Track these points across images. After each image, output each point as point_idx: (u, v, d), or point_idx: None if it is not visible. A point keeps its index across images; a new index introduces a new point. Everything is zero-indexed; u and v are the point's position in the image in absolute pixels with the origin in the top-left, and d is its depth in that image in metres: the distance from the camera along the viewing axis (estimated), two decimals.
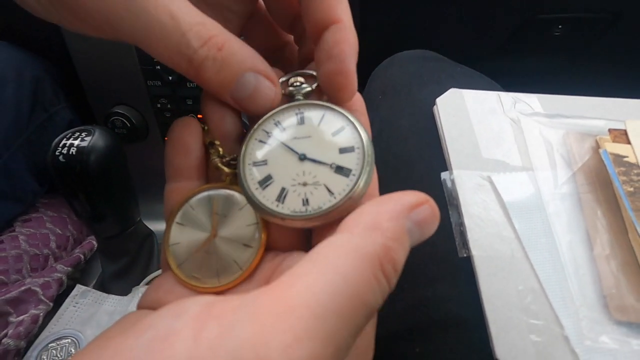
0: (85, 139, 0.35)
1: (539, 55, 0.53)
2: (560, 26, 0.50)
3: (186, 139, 0.17)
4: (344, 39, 0.15)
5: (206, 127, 0.18)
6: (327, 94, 0.17)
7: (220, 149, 0.18)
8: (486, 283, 0.20)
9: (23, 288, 0.36)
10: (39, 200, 0.47)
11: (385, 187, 0.28)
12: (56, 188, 0.49)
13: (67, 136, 0.35)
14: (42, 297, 0.36)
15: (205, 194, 0.17)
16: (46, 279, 0.38)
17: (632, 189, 0.22)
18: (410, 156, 0.29)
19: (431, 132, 0.29)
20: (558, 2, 0.47)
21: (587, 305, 0.19)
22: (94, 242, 0.47)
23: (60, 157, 0.34)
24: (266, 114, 0.17)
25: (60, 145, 0.34)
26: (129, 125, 0.47)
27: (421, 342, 0.20)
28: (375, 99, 0.36)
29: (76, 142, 0.34)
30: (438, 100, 0.30)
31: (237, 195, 0.17)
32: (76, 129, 0.35)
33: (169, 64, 0.15)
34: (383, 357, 0.22)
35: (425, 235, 0.13)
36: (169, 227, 0.17)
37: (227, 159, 0.18)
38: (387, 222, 0.12)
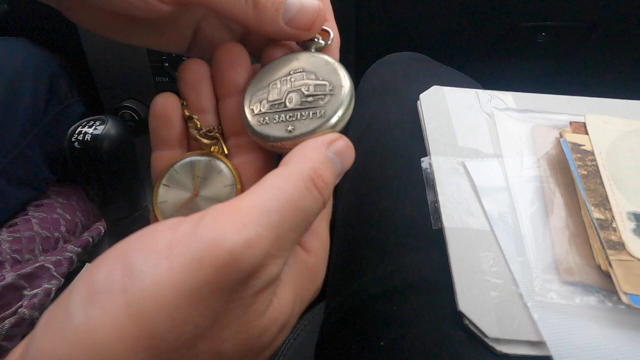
0: (99, 127, 0.38)
1: (522, 61, 0.56)
2: (543, 34, 0.54)
3: (168, 112, 0.20)
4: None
5: (184, 102, 0.21)
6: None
7: (198, 122, 0.21)
8: (454, 249, 0.23)
9: (37, 264, 0.39)
10: (50, 188, 0.50)
11: (375, 173, 0.31)
12: (67, 177, 0.52)
13: (83, 124, 0.38)
14: (55, 273, 0.39)
15: (187, 159, 0.20)
16: (58, 257, 0.41)
17: (585, 172, 0.25)
18: (396, 145, 0.32)
19: (415, 125, 0.32)
20: (540, 11, 0.51)
21: (540, 268, 0.22)
22: (102, 228, 0.49)
23: (76, 144, 0.37)
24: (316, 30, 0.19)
25: (76, 132, 0.37)
26: (137, 118, 0.50)
27: (398, 302, 0.23)
28: (366, 96, 0.39)
29: (90, 130, 0.37)
30: (421, 95, 0.33)
31: (216, 161, 0.20)
32: (90, 118, 0.39)
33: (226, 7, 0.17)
34: (364, 316, 0.24)
35: (346, 163, 0.17)
36: (157, 188, 0.20)
37: (204, 130, 0.21)
38: (311, 152, 0.16)
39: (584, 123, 0.28)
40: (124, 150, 0.39)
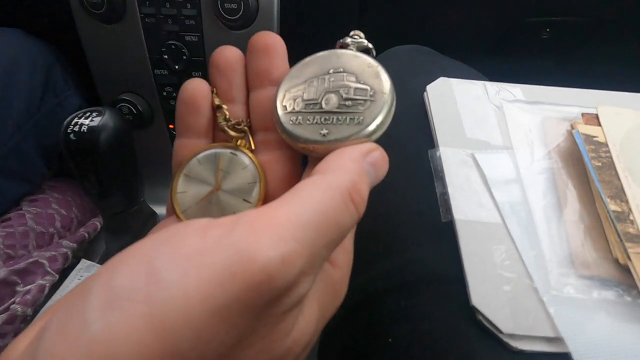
0: (96, 119, 0.37)
1: (527, 57, 0.56)
2: (548, 29, 0.53)
3: (197, 99, 0.19)
4: None
5: (215, 90, 0.20)
6: None
7: (227, 113, 0.20)
8: (466, 242, 0.22)
9: (30, 260, 0.38)
10: (45, 183, 0.49)
11: None
12: (63, 172, 0.51)
13: (79, 115, 0.37)
14: (49, 269, 0.38)
15: (212, 151, 0.19)
16: (52, 252, 0.40)
17: (599, 164, 0.24)
18: (402, 137, 0.31)
19: (421, 117, 0.31)
20: (546, 6, 0.50)
21: (555, 261, 0.21)
22: (98, 224, 0.48)
23: (72, 135, 0.36)
24: None
25: (72, 123, 0.36)
26: (135, 112, 0.49)
27: (406, 297, 0.22)
28: None
29: (87, 122, 0.36)
30: (428, 87, 0.32)
31: (241, 155, 0.19)
32: (87, 109, 0.38)
33: None
34: (371, 311, 0.23)
35: (379, 174, 0.16)
36: (177, 177, 0.19)
37: (232, 122, 0.20)
38: (350, 163, 0.15)
39: (596, 115, 0.27)
40: (121, 143, 0.38)
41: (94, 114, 0.37)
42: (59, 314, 0.12)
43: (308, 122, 0.17)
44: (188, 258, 0.12)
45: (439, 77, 0.33)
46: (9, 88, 0.43)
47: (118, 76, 0.49)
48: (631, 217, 0.22)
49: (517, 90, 0.32)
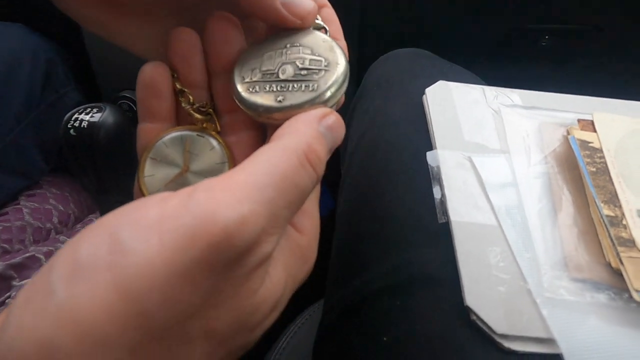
0: (96, 115, 0.37)
1: (526, 62, 0.56)
2: (547, 36, 0.54)
3: (158, 83, 0.19)
4: None
5: (175, 75, 0.19)
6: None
7: (191, 97, 0.20)
8: (461, 243, 0.22)
9: (27, 255, 0.38)
10: (43, 178, 0.49)
11: (379, 167, 0.31)
12: (61, 167, 0.51)
13: (80, 111, 0.37)
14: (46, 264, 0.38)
15: (178, 133, 0.19)
16: (49, 248, 0.40)
17: (594, 169, 0.25)
18: (400, 139, 0.31)
19: (420, 119, 0.32)
20: (545, 14, 0.51)
21: (549, 264, 0.21)
22: (95, 220, 0.48)
23: (72, 131, 0.36)
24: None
25: (73, 119, 0.36)
26: (135, 108, 0.49)
27: (402, 297, 0.23)
28: (371, 90, 0.38)
29: (87, 117, 0.37)
30: (427, 90, 0.32)
31: (208, 137, 0.20)
32: (88, 105, 0.38)
33: None
34: (367, 311, 0.24)
35: (337, 137, 0.17)
36: (143, 160, 0.19)
37: (197, 105, 0.20)
38: (304, 127, 0.16)
39: (592, 121, 0.28)
40: (121, 139, 0.38)
41: (95, 110, 0.37)
42: (24, 290, 0.13)
43: (265, 90, 0.18)
44: (149, 226, 0.12)
45: (438, 80, 0.34)
46: (10, 82, 0.43)
47: (119, 72, 0.49)
48: (624, 222, 0.22)
49: (514, 95, 0.32)
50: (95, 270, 0.12)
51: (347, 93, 0.19)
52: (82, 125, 0.35)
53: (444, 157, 0.27)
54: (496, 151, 0.28)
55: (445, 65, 0.38)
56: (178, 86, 0.19)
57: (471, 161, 0.27)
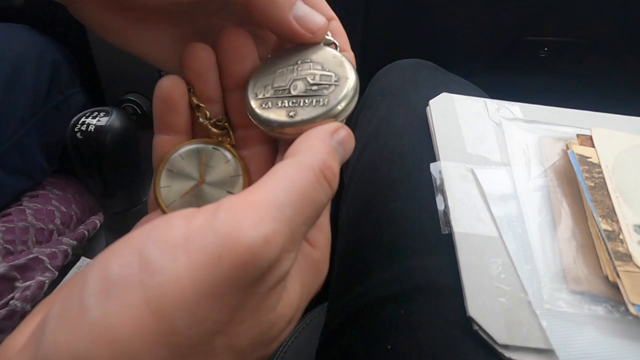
0: (102, 119, 0.37)
1: (525, 74, 0.57)
2: (546, 48, 0.55)
3: (174, 98, 0.19)
4: None
5: (192, 89, 0.20)
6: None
7: (207, 112, 0.20)
8: (464, 254, 0.23)
9: (31, 256, 0.38)
10: (46, 179, 0.49)
11: (383, 176, 0.31)
12: (64, 169, 0.51)
13: (86, 115, 0.37)
14: (49, 266, 0.38)
15: (194, 146, 0.20)
16: (52, 249, 0.40)
17: (592, 184, 0.25)
18: (404, 150, 0.32)
19: (423, 130, 0.32)
20: (544, 26, 0.51)
21: (548, 276, 0.22)
22: (97, 222, 0.48)
23: (79, 134, 0.36)
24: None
25: (79, 123, 0.37)
26: (139, 112, 0.49)
27: (405, 306, 0.23)
28: (374, 100, 0.39)
29: (94, 121, 0.37)
30: (431, 102, 0.33)
31: (223, 150, 0.20)
32: (94, 109, 0.38)
33: None
34: (371, 319, 0.24)
35: (348, 150, 0.17)
36: (159, 172, 0.19)
37: (214, 120, 0.20)
38: (318, 143, 0.16)
39: (591, 136, 0.29)
40: (127, 144, 0.38)
41: (101, 114, 0.37)
42: (57, 306, 0.13)
43: (277, 106, 0.18)
44: (176, 245, 0.13)
45: (441, 91, 0.34)
46: (15, 83, 0.43)
47: (124, 76, 0.49)
48: (621, 237, 0.23)
49: (516, 108, 0.33)
50: (127, 288, 0.12)
51: None
52: (89, 129, 0.36)
53: (447, 169, 0.28)
54: (497, 163, 0.28)
55: (448, 77, 0.39)
56: (195, 101, 0.20)
57: (473, 173, 0.27)
